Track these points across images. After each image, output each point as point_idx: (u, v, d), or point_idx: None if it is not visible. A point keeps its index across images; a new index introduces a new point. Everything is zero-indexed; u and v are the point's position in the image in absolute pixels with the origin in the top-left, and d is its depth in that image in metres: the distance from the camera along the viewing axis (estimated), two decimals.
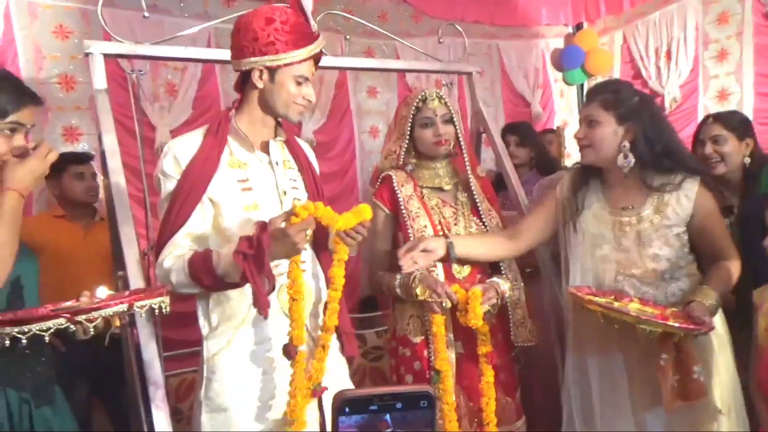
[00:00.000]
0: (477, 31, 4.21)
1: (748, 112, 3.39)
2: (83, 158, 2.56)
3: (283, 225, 1.27)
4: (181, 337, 2.36)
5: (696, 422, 1.52)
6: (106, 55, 1.88)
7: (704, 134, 2.07)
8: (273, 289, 1.32)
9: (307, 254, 1.48)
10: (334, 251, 1.40)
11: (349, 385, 1.53)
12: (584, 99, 1.73)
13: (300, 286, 1.37)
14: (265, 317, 1.32)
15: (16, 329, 1.00)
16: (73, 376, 2.48)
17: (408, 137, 1.81)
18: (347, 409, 0.66)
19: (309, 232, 1.28)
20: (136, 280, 1.68)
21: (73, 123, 2.99)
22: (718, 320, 1.57)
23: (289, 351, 1.35)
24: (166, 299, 1.19)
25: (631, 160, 1.60)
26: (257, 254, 1.24)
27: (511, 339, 1.80)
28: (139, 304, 1.13)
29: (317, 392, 1.38)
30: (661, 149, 1.59)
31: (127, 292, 1.28)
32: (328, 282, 1.52)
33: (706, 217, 1.60)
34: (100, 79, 1.85)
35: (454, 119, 1.81)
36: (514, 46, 4.37)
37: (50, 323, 1.01)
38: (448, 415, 1.52)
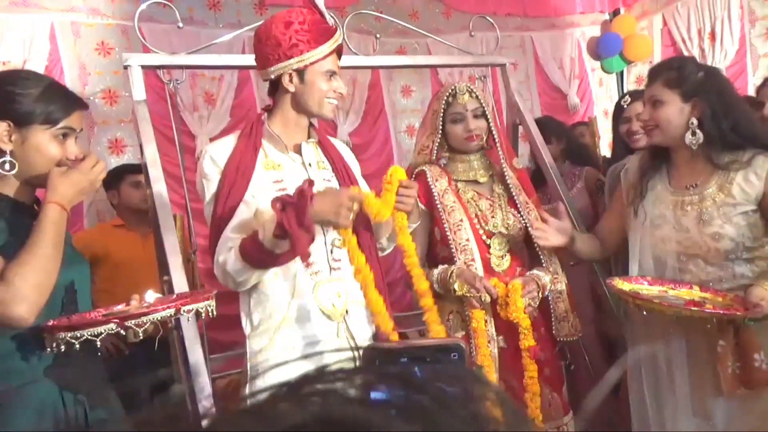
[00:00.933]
0: (509, 24, 4.15)
1: None
2: (140, 168, 2.65)
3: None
4: (228, 339, 2.40)
5: (764, 412, 1.45)
6: (144, 67, 1.95)
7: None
8: (313, 239, 1.28)
9: (342, 253, 1.48)
10: (395, 224, 1.44)
11: None
12: (647, 80, 1.67)
13: (359, 255, 1.38)
14: (307, 266, 1.37)
15: (69, 334, 1.04)
16: (134, 377, 2.60)
17: (440, 132, 1.80)
18: (377, 362, 0.65)
19: (355, 207, 1.29)
20: (180, 284, 1.73)
21: (118, 136, 3.09)
22: None
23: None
24: (212, 303, 1.21)
25: (700, 136, 1.54)
26: (299, 204, 1.24)
27: (553, 333, 1.76)
28: (186, 308, 1.15)
29: None
30: (729, 125, 1.52)
31: (173, 296, 1.31)
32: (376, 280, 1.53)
33: None
34: (139, 91, 1.92)
35: (486, 113, 1.79)
36: (547, 37, 4.29)
37: (101, 328, 1.04)
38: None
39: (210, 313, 1.20)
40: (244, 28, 3.03)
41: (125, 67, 1.92)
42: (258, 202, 1.44)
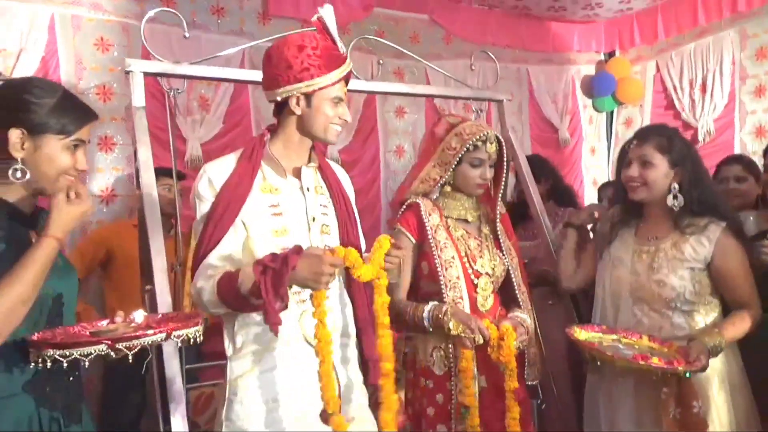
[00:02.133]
0: (507, 55, 4.22)
1: None
2: (180, 175, 2.64)
3: (322, 251, 1.29)
4: (206, 349, 2.38)
5: None
6: (146, 74, 1.94)
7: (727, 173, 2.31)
8: (285, 307, 1.29)
9: (335, 283, 1.48)
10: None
11: (369, 413, 1.52)
12: (634, 140, 1.81)
13: (326, 348, 1.37)
14: (275, 334, 1.32)
15: (58, 352, 1.03)
16: (126, 388, 2.60)
17: (452, 169, 1.78)
18: None
19: (335, 271, 1.29)
20: (163, 295, 1.71)
21: (108, 133, 3.06)
22: (721, 360, 1.67)
23: (323, 417, 1.37)
24: (201, 329, 1.21)
25: (681, 200, 1.73)
26: (279, 270, 1.24)
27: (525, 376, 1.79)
28: (176, 333, 1.15)
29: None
30: (697, 194, 1.72)
31: (159, 315, 1.30)
32: (356, 310, 1.54)
33: (726, 263, 1.69)
34: (139, 97, 1.90)
35: (503, 161, 1.82)
36: (543, 71, 4.37)
37: (91, 349, 1.03)
38: None
39: (197, 340, 1.19)
40: (248, 39, 3.06)
41: (126, 72, 1.90)
42: (251, 226, 1.44)
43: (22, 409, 1.15)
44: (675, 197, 1.73)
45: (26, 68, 2.73)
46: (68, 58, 2.88)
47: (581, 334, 1.70)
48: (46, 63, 2.80)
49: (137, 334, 1.09)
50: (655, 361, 1.50)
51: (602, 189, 3.41)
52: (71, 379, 1.25)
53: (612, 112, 4.55)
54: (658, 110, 4.17)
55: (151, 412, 2.49)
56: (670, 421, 1.54)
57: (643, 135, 1.80)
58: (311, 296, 1.37)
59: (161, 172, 2.55)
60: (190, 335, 1.17)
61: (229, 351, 1.46)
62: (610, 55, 4.46)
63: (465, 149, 1.75)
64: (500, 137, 1.79)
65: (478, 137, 1.75)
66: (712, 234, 1.69)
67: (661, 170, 1.73)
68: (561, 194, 2.95)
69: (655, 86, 4.17)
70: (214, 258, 1.42)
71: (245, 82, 3.10)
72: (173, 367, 1.63)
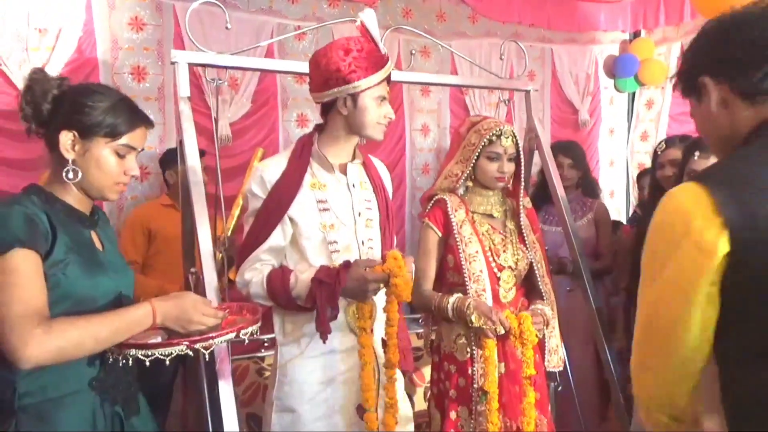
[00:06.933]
0: (532, 34, 4.21)
1: None
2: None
3: (365, 271, 1.41)
4: None
5: None
6: (191, 64, 2.02)
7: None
8: (335, 318, 1.46)
9: None
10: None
11: (404, 397, 1.67)
12: (696, 150, 1.98)
13: (369, 352, 1.51)
14: (324, 341, 1.47)
15: (141, 352, 1.13)
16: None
17: (472, 164, 1.87)
18: None
19: (380, 286, 1.42)
20: (211, 280, 1.83)
21: None
22: None
23: (359, 412, 1.52)
24: (259, 325, 1.31)
25: None
26: (333, 285, 1.39)
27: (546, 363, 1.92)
28: (244, 331, 1.24)
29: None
30: None
31: (221, 306, 1.39)
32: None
33: None
34: (184, 88, 1.98)
35: (520, 157, 1.89)
36: (567, 51, 4.35)
37: (172, 349, 1.13)
38: None
39: (255, 335, 1.30)
40: (277, 16, 3.10)
41: (172, 63, 1.98)
42: (300, 221, 1.56)
43: (86, 406, 1.20)
44: None
45: (65, 48, 2.80)
46: (104, 38, 2.94)
47: None
48: (82, 43, 2.86)
49: (212, 335, 1.18)
50: None
51: (641, 177, 3.46)
52: (132, 371, 1.30)
53: (633, 93, 4.55)
54: (678, 93, 4.17)
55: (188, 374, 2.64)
56: None
57: (703, 149, 1.94)
58: (357, 305, 1.50)
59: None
60: (254, 331, 1.28)
61: (279, 336, 1.60)
62: (636, 35, 4.43)
63: (482, 144, 1.83)
64: (515, 131, 1.86)
65: (493, 132, 1.83)
66: None
67: None
68: (590, 186, 3.03)
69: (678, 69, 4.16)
70: (262, 252, 1.55)
71: (287, 73, 3.17)
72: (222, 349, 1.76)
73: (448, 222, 1.88)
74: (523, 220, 1.96)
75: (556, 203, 2.52)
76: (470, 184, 1.95)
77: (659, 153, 2.40)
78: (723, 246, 0.81)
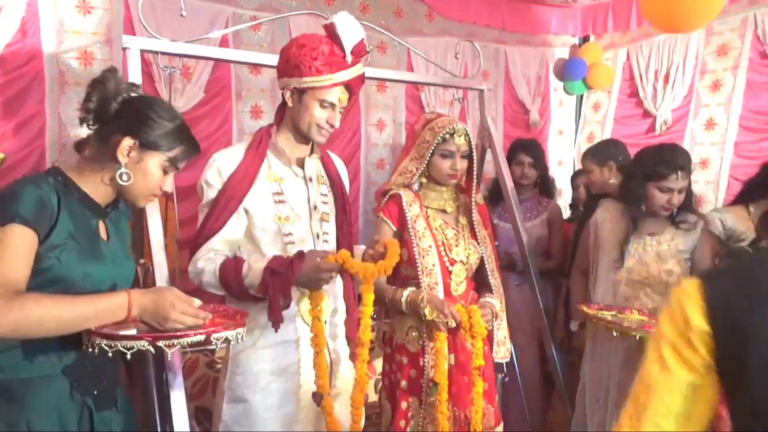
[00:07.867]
0: (486, 34, 4.30)
1: (731, 144, 3.58)
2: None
3: (318, 260, 1.42)
4: None
5: None
6: (143, 51, 1.97)
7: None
8: (287, 307, 1.47)
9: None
10: (365, 273, 1.53)
11: (351, 366, 1.71)
12: (678, 171, 2.09)
13: (322, 340, 1.53)
14: (276, 331, 1.47)
15: (104, 342, 1.11)
16: None
17: (426, 161, 1.90)
18: None
19: (333, 274, 1.45)
20: (161, 271, 1.80)
21: None
22: None
23: (316, 399, 1.54)
24: (243, 330, 1.24)
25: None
26: (286, 274, 1.39)
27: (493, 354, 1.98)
28: (215, 336, 1.17)
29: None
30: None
31: (212, 309, 1.34)
32: (345, 292, 1.70)
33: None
34: (135, 75, 1.94)
35: (473, 154, 1.94)
36: (520, 53, 4.46)
37: (134, 343, 1.10)
38: (442, 423, 1.70)
39: (238, 341, 1.23)
40: (232, 10, 3.04)
41: (123, 49, 1.93)
42: (255, 213, 1.55)
43: (56, 392, 1.20)
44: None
45: (6, 29, 2.67)
46: (49, 20, 2.82)
47: (588, 310, 2.09)
48: (25, 24, 2.73)
49: (178, 334, 1.14)
50: None
51: (575, 177, 3.60)
52: (107, 366, 1.29)
53: (582, 96, 4.71)
54: (623, 97, 4.36)
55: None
56: None
57: (684, 166, 2.10)
58: (309, 295, 1.52)
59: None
60: (230, 338, 1.19)
61: None
62: (585, 39, 4.59)
63: (436, 141, 1.86)
64: (468, 130, 1.90)
65: (447, 130, 1.86)
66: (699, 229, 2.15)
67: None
68: (548, 187, 3.10)
69: (623, 74, 4.34)
70: (216, 242, 1.54)
71: (244, 63, 3.12)
72: None
73: (402, 216, 1.91)
74: (475, 215, 2.02)
75: (507, 200, 2.60)
76: (424, 180, 1.98)
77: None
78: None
